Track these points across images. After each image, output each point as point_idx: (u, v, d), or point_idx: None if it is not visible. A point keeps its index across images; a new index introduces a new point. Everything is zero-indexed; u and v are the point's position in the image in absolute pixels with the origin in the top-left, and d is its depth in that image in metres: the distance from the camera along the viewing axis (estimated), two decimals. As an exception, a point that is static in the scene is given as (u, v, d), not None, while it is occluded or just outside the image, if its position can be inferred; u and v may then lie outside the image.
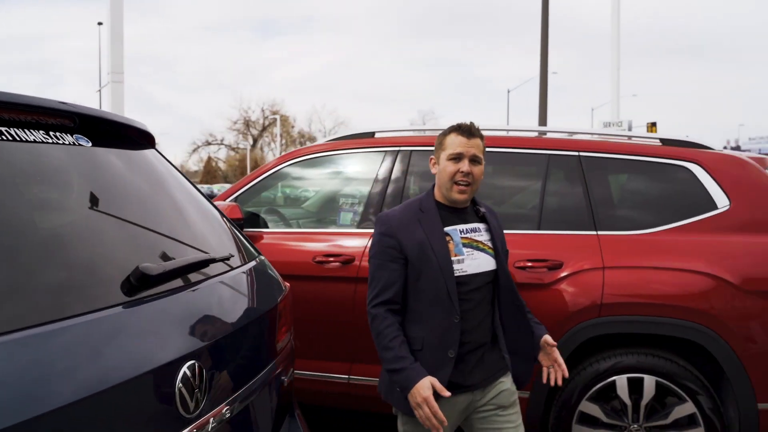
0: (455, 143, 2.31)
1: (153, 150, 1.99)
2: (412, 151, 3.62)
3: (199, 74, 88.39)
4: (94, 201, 1.50)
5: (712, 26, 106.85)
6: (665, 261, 3.06)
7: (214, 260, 1.67)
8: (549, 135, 3.71)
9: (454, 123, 2.39)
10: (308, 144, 4.44)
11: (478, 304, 2.29)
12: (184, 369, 1.33)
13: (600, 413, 3.07)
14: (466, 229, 2.35)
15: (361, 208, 3.64)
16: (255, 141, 64.26)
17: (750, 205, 3.10)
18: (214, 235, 1.90)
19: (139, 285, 1.35)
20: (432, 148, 3.64)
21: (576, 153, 3.39)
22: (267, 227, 3.80)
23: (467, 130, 2.32)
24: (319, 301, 3.40)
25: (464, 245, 2.31)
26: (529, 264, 3.15)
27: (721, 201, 3.12)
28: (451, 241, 2.29)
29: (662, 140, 3.43)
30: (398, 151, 3.63)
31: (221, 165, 65.18)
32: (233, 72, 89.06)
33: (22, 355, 1.05)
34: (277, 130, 58.30)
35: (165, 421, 1.28)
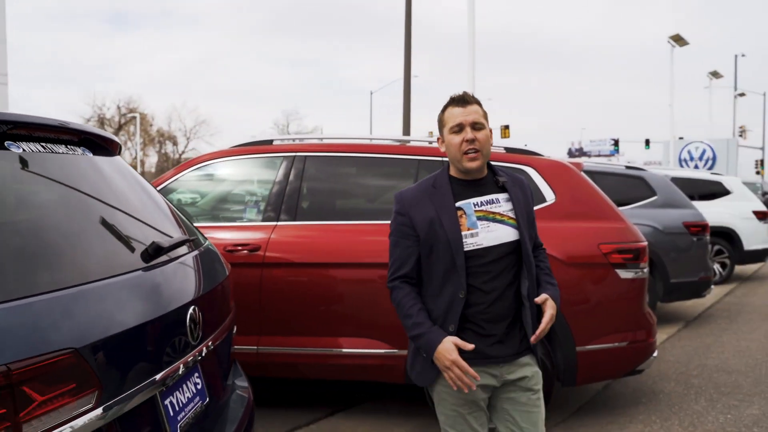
0: (453, 115, 2.29)
1: (119, 156, 2.51)
2: (306, 156, 4.28)
3: (45, 67, 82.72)
4: (106, 196, 2.04)
5: (560, 36, 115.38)
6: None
7: (188, 240, 2.26)
8: (417, 144, 4.54)
9: (452, 95, 2.35)
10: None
11: (498, 276, 2.27)
12: (190, 311, 1.93)
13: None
14: (482, 202, 2.30)
15: (263, 205, 4.25)
16: (111, 140, 61.20)
17: (570, 199, 4.07)
18: (177, 223, 2.46)
19: (153, 254, 1.93)
20: (323, 154, 4.35)
21: (440, 158, 4.20)
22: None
23: (461, 100, 2.30)
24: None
25: (479, 218, 2.28)
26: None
27: (549, 196, 4.06)
28: (464, 215, 2.28)
29: (506, 148, 4.34)
30: (294, 156, 4.28)
31: (73, 165, 61.42)
32: (85, 66, 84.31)
33: (111, 293, 1.63)
34: (135, 128, 56.15)
35: (183, 345, 1.88)
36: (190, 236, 2.38)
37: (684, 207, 7.46)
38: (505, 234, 2.29)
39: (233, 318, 2.58)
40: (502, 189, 2.34)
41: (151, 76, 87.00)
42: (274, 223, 4.11)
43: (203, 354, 2.04)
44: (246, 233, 4.11)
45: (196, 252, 2.33)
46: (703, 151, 29.99)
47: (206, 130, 63.48)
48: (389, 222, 2.45)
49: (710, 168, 28.07)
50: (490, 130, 2.34)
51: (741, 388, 4.77)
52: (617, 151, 41.38)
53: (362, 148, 4.42)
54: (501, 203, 2.32)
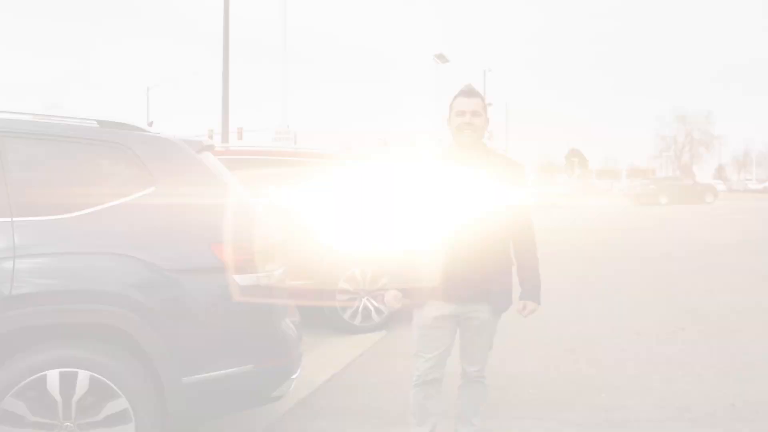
0: (459, 103, 2.88)
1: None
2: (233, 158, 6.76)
3: None
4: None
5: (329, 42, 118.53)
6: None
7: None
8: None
9: (462, 87, 2.94)
10: None
11: (459, 232, 2.77)
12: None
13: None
14: (463, 171, 2.82)
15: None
16: None
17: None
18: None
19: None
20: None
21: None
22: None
23: (467, 93, 2.89)
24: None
25: (455, 182, 2.80)
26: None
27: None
28: (447, 181, 2.81)
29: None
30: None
31: None
32: None
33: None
34: None
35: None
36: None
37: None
38: (471, 201, 2.79)
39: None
40: (484, 168, 2.85)
41: None
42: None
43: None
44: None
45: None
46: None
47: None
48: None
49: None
50: (487, 119, 2.94)
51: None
52: (387, 149, 45.85)
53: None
54: (479, 178, 2.81)
